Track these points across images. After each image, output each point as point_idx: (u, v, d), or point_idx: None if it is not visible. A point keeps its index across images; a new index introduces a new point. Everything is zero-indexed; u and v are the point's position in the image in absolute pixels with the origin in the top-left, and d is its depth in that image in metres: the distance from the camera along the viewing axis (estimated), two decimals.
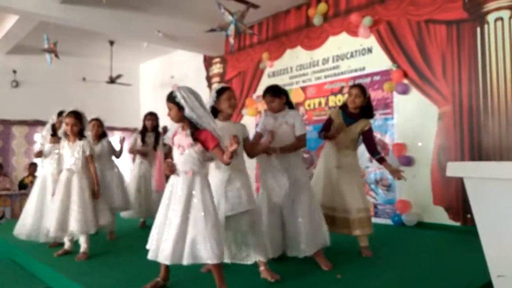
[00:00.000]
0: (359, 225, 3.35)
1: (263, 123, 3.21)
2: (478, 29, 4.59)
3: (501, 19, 4.43)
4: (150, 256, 2.46)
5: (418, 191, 5.00)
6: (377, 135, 5.37)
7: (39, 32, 6.49)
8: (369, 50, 5.62)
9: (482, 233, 1.77)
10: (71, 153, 3.61)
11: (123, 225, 4.91)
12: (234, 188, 2.73)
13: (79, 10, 6.05)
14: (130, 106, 9.94)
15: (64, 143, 3.68)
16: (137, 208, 4.90)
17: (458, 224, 4.66)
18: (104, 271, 3.11)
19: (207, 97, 7.91)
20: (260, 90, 7.04)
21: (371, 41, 5.56)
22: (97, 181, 3.64)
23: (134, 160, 5.25)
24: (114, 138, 5.34)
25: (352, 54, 5.83)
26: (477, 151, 4.57)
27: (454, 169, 1.83)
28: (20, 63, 8.52)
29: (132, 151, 5.13)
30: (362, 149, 3.69)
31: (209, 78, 8.30)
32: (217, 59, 8.11)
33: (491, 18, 4.51)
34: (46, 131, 4.27)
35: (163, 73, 9.58)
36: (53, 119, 4.23)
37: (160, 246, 2.39)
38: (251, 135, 3.10)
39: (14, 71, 8.54)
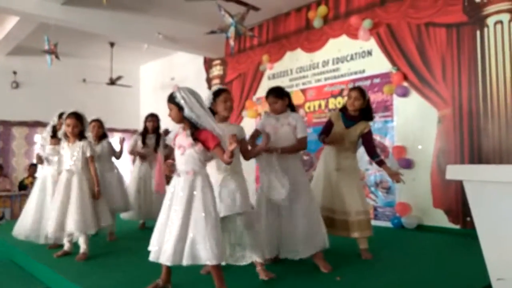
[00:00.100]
0: (358, 227, 3.35)
1: (263, 123, 3.21)
2: (478, 32, 4.60)
3: (501, 22, 4.44)
4: (151, 258, 2.45)
5: (418, 194, 5.00)
6: (377, 137, 5.37)
7: (40, 33, 6.50)
8: (369, 53, 5.63)
9: (482, 236, 1.77)
10: (71, 154, 3.61)
11: (123, 226, 4.91)
12: (228, 189, 2.73)
13: (79, 11, 6.07)
14: (130, 108, 9.95)
15: (64, 144, 3.69)
16: (137, 210, 4.90)
17: (457, 227, 4.66)
18: (103, 273, 3.11)
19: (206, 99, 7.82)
20: (260, 92, 7.07)
21: (371, 44, 5.57)
22: (97, 182, 3.64)
23: (134, 161, 5.25)
24: (114, 140, 5.33)
25: (352, 56, 5.84)
26: (476, 154, 4.57)
27: (454, 172, 1.84)
28: (20, 64, 8.53)
29: (133, 152, 5.13)
30: (362, 151, 3.69)
31: (209, 80, 8.30)
32: (217, 61, 8.12)
33: (490, 21, 4.52)
34: (47, 132, 4.28)
35: (163, 75, 9.59)
36: (53, 120, 4.23)
37: (162, 248, 2.38)
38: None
39: (15, 72, 8.55)
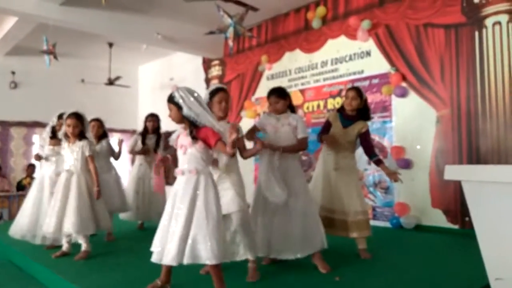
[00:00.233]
0: (356, 227, 3.36)
1: (263, 123, 3.21)
2: (476, 33, 4.61)
3: (499, 23, 4.45)
4: (154, 259, 2.42)
5: (417, 194, 5.00)
6: (376, 138, 5.39)
7: (38, 34, 6.49)
8: (368, 53, 5.64)
9: (480, 236, 1.78)
10: (71, 154, 3.62)
11: (121, 226, 4.90)
12: (222, 188, 2.74)
13: (78, 12, 6.06)
14: (129, 108, 9.95)
15: (64, 144, 3.70)
16: (135, 210, 4.89)
17: (456, 227, 4.67)
18: (102, 273, 3.10)
19: (205, 99, 7.84)
20: (259, 93, 7.07)
21: (370, 45, 5.58)
22: (97, 182, 3.63)
23: (133, 161, 5.24)
24: (113, 140, 5.33)
25: (350, 57, 5.85)
26: (475, 155, 4.58)
27: (452, 172, 1.85)
28: (19, 65, 8.52)
29: (132, 152, 5.12)
30: (360, 151, 3.70)
31: (208, 81, 8.31)
32: (216, 62, 8.12)
33: (489, 22, 4.53)
34: (46, 133, 4.27)
35: (162, 75, 9.59)
36: (53, 121, 4.23)
37: (165, 248, 2.36)
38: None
39: (13, 72, 8.54)
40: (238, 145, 2.84)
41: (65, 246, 3.66)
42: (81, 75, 9.27)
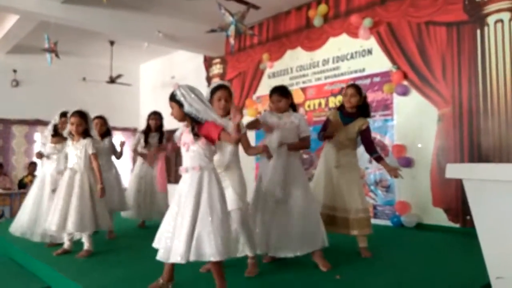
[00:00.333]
0: (357, 225, 3.36)
1: (265, 120, 3.21)
2: (478, 31, 4.60)
3: (501, 21, 4.44)
4: (160, 258, 2.40)
5: (418, 193, 5.00)
6: (377, 136, 5.38)
7: (40, 32, 6.49)
8: (369, 52, 5.63)
9: (481, 235, 1.77)
10: (75, 152, 3.64)
11: (122, 224, 4.91)
12: (224, 185, 2.74)
13: (79, 10, 6.06)
14: (130, 106, 9.95)
15: (69, 142, 3.71)
16: (136, 209, 4.90)
17: (457, 225, 4.66)
18: (103, 270, 3.11)
19: (207, 97, 7.78)
20: (260, 91, 7.07)
21: (371, 43, 5.57)
22: (100, 180, 3.63)
23: (135, 160, 5.23)
24: (116, 138, 5.33)
25: (352, 55, 5.84)
26: (476, 153, 4.58)
27: (454, 170, 1.84)
28: (20, 63, 8.53)
29: (135, 151, 5.12)
30: (362, 150, 3.70)
31: (209, 79, 8.30)
32: (217, 60, 8.11)
33: (491, 20, 4.51)
34: (48, 131, 4.28)
35: (163, 73, 9.59)
36: (55, 119, 4.23)
37: (172, 247, 2.34)
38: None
39: (15, 71, 8.55)
40: (242, 143, 2.85)
41: (66, 244, 3.68)
42: (83, 73, 9.28)
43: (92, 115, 4.32)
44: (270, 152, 2.81)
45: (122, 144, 4.79)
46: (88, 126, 3.70)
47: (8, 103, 8.36)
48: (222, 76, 7.98)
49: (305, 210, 3.03)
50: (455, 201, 4.68)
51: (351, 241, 3.52)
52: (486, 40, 4.54)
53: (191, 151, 2.45)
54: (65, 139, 4.09)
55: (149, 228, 4.86)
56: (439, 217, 4.81)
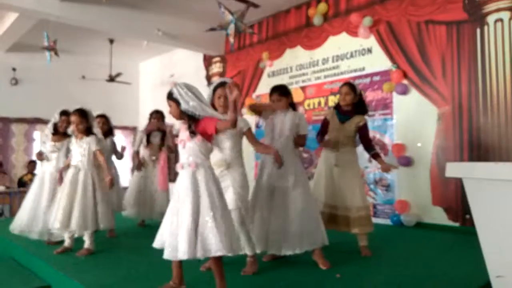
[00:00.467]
0: (359, 223, 3.39)
1: (265, 118, 3.27)
2: (478, 30, 4.60)
3: (501, 20, 4.44)
4: (168, 256, 2.38)
5: (417, 192, 5.00)
6: (377, 135, 5.39)
7: (39, 30, 6.48)
8: (369, 50, 5.62)
9: (481, 234, 1.77)
10: (79, 150, 3.65)
11: (122, 223, 4.91)
12: (224, 185, 2.74)
13: (79, 8, 6.04)
14: (130, 105, 9.94)
15: (73, 139, 3.74)
16: (137, 208, 4.90)
17: (457, 224, 4.67)
18: (103, 269, 3.11)
19: (206, 96, 7.84)
20: (260, 90, 7.06)
21: (371, 42, 5.56)
22: (109, 172, 3.65)
23: (134, 160, 5.20)
24: (117, 138, 5.33)
25: (352, 54, 5.83)
26: (476, 152, 4.58)
27: (453, 169, 1.84)
28: (19, 61, 8.51)
29: (137, 152, 5.11)
30: (361, 149, 3.71)
31: (208, 77, 8.29)
32: (217, 58, 8.10)
33: (491, 19, 4.51)
34: (48, 129, 4.29)
35: (162, 71, 9.58)
36: (55, 118, 4.24)
37: (178, 244, 2.34)
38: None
39: (14, 69, 8.53)
40: (249, 138, 2.85)
41: (67, 242, 3.68)
42: (82, 72, 9.27)
43: (94, 113, 4.33)
44: (281, 160, 2.84)
45: (123, 149, 4.80)
46: (90, 124, 3.70)
47: (8, 102, 8.35)
48: (221, 74, 7.97)
49: (304, 208, 3.04)
50: (455, 200, 4.69)
51: (351, 239, 3.53)
52: (486, 39, 4.54)
53: (187, 147, 2.47)
54: (65, 137, 4.11)
55: (149, 227, 4.86)
56: (438, 216, 4.82)
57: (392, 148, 5.24)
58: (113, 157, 4.84)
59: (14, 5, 5.64)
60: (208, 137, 2.46)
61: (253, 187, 3.19)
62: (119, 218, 4.91)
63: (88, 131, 3.68)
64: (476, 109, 4.60)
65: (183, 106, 2.42)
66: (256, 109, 3.30)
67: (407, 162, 5.07)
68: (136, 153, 5.10)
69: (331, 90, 6.06)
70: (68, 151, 3.97)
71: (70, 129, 3.76)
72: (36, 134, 8.76)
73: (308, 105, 6.36)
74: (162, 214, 2.72)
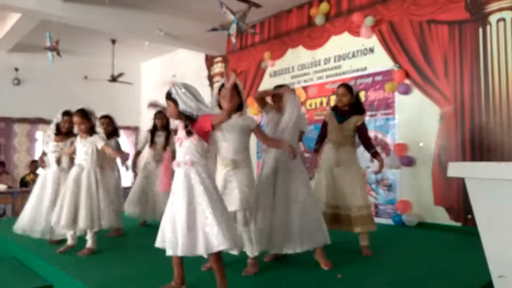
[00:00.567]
0: (361, 222, 3.40)
1: (266, 114, 3.29)
2: (480, 30, 4.59)
3: (503, 20, 4.43)
4: (169, 252, 2.40)
5: (419, 191, 5.00)
6: (379, 135, 5.39)
7: (41, 30, 6.50)
8: (371, 50, 5.62)
9: (483, 234, 1.77)
10: (83, 149, 3.68)
11: (124, 222, 4.90)
12: (230, 186, 2.78)
13: (81, 8, 6.06)
14: (132, 105, 9.95)
15: (78, 138, 3.77)
16: (139, 208, 4.90)
17: (459, 224, 4.66)
18: (105, 269, 3.11)
19: (208, 96, 7.89)
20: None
21: (373, 41, 5.56)
22: (117, 153, 3.78)
23: (134, 161, 5.19)
24: (122, 139, 5.34)
25: (354, 54, 5.83)
26: (478, 152, 4.57)
27: (456, 169, 1.84)
28: (22, 61, 8.53)
29: (139, 151, 5.11)
30: (362, 149, 3.72)
31: (210, 77, 8.30)
32: (219, 58, 8.11)
33: (493, 19, 4.50)
34: (51, 130, 4.31)
35: (164, 72, 9.59)
36: (57, 118, 4.26)
37: (177, 241, 2.36)
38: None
39: (16, 69, 8.55)
40: (257, 135, 2.86)
41: (70, 241, 3.68)
42: (84, 72, 9.29)
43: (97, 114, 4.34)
44: (294, 151, 2.84)
45: (127, 156, 4.82)
46: (92, 123, 3.72)
47: (10, 102, 8.37)
48: (223, 74, 7.97)
49: (305, 207, 3.04)
50: (457, 200, 4.68)
51: (353, 239, 3.53)
52: (488, 39, 4.53)
53: (184, 146, 2.48)
54: (68, 137, 4.14)
55: (151, 227, 4.86)
56: (440, 216, 4.81)
57: (394, 148, 5.24)
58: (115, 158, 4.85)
59: (17, 5, 5.66)
60: (206, 135, 2.47)
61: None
62: (121, 218, 4.92)
63: (91, 131, 3.70)
64: (478, 108, 4.59)
65: (181, 106, 2.43)
66: (263, 97, 3.28)
67: (409, 162, 5.07)
68: (137, 153, 5.12)
69: (333, 90, 6.04)
70: (73, 151, 3.98)
71: (76, 129, 3.80)
72: (39, 134, 8.78)
73: (310, 105, 6.35)
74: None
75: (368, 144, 3.66)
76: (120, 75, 8.82)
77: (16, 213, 7.05)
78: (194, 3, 6.34)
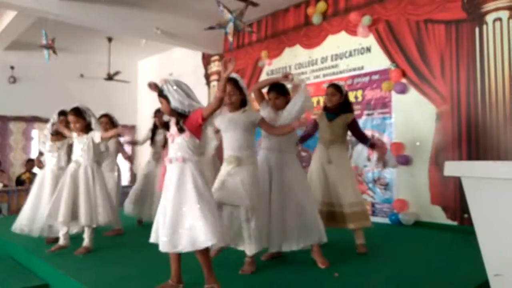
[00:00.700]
0: (354, 219, 3.42)
1: (264, 111, 3.27)
2: (477, 29, 4.60)
3: (500, 19, 4.44)
4: (161, 249, 2.40)
5: (416, 190, 5.01)
6: (375, 134, 5.39)
7: (37, 28, 6.46)
8: (368, 49, 5.62)
9: (479, 233, 1.77)
10: (80, 146, 3.69)
11: (122, 221, 4.90)
12: (234, 181, 2.77)
13: (77, 6, 6.03)
14: (128, 103, 9.92)
15: (75, 134, 3.77)
16: (136, 206, 4.90)
17: (455, 223, 4.67)
18: (102, 268, 3.11)
19: (205, 94, 7.86)
20: None
21: (370, 40, 5.56)
22: (114, 132, 3.76)
23: (131, 159, 5.21)
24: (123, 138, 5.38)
25: (351, 53, 5.83)
26: (474, 151, 4.58)
27: (452, 168, 1.84)
28: (18, 59, 8.49)
29: (135, 142, 5.17)
30: (359, 149, 3.74)
31: (207, 76, 8.29)
32: (216, 57, 8.09)
33: (489, 18, 4.51)
34: (47, 129, 4.30)
35: (161, 70, 9.55)
36: (53, 118, 4.25)
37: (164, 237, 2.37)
38: None
39: (12, 67, 8.51)
40: (263, 128, 2.90)
41: (61, 240, 3.63)
42: (80, 70, 9.25)
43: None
44: (305, 121, 2.85)
45: (128, 157, 4.82)
46: (87, 121, 3.71)
47: (6, 100, 8.33)
48: (220, 73, 7.95)
49: (300, 204, 3.04)
50: (453, 199, 4.69)
51: (350, 238, 3.54)
52: (485, 39, 4.54)
53: (175, 143, 2.49)
54: (64, 137, 4.13)
55: (148, 226, 4.85)
56: (437, 215, 4.82)
57: (390, 147, 5.24)
58: (115, 158, 4.85)
59: (13, 3, 5.63)
60: (198, 131, 2.47)
61: None
62: (119, 216, 4.92)
63: (87, 129, 3.70)
64: (474, 108, 4.60)
65: (173, 103, 2.44)
66: (261, 88, 3.28)
67: (406, 161, 5.08)
68: (135, 142, 5.17)
69: None
70: (70, 149, 3.98)
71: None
72: (34, 133, 8.75)
73: None
74: None
75: (362, 138, 3.73)
76: (117, 73, 8.79)
77: (11, 212, 7.03)
78: (191, 1, 6.33)
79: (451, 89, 4.79)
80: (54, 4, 5.83)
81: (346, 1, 5.88)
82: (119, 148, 4.80)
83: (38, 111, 8.27)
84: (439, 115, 4.90)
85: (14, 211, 7.01)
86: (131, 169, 5.17)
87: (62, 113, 4.12)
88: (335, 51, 6.02)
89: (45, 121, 4.39)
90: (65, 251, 3.56)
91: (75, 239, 3.72)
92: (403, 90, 5.17)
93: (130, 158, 5.06)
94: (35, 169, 6.84)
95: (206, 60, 8.35)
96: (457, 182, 4.40)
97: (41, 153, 4.35)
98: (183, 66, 8.83)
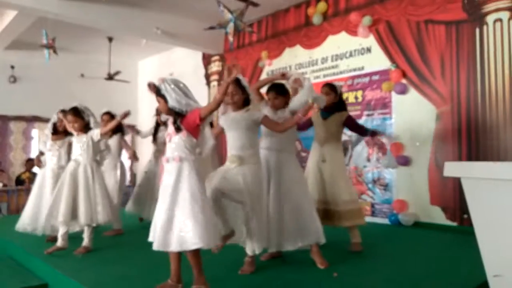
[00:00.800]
0: (349, 216, 3.45)
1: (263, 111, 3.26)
2: (477, 30, 4.60)
3: (500, 20, 4.44)
4: (154, 247, 2.40)
5: (415, 191, 5.01)
6: None
7: (38, 28, 6.47)
8: (368, 50, 5.62)
9: (479, 233, 1.77)
10: (79, 144, 3.69)
11: (122, 220, 4.90)
12: (235, 176, 2.76)
13: (78, 6, 6.03)
14: (128, 103, 9.86)
15: (74, 135, 3.78)
16: (138, 205, 4.90)
17: (455, 224, 4.67)
18: (101, 268, 3.11)
19: (205, 94, 7.87)
20: None
21: (370, 41, 5.56)
22: (113, 123, 3.74)
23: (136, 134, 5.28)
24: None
25: (351, 53, 5.83)
26: (474, 151, 4.58)
27: (452, 169, 1.84)
28: (18, 59, 8.49)
29: (143, 136, 5.25)
30: (359, 149, 3.73)
31: (207, 76, 8.29)
32: (216, 57, 8.09)
33: (490, 19, 4.51)
34: (48, 129, 4.32)
35: (161, 70, 9.55)
36: (54, 118, 4.26)
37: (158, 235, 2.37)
38: None
39: (12, 67, 8.51)
40: (267, 126, 2.87)
41: (59, 241, 3.56)
42: (81, 70, 9.24)
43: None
44: (310, 107, 2.83)
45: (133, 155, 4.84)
46: (86, 121, 3.71)
47: (6, 99, 8.33)
48: (220, 73, 7.96)
49: (298, 205, 3.04)
50: (453, 200, 4.69)
51: (349, 239, 3.53)
52: (485, 39, 4.54)
53: (172, 142, 2.50)
54: (65, 136, 4.15)
55: (149, 225, 4.85)
56: (436, 216, 4.82)
57: (390, 147, 5.23)
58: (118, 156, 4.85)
59: (13, 2, 5.63)
60: (195, 130, 2.47)
61: None
62: (120, 215, 4.91)
63: (86, 128, 3.71)
64: (474, 108, 4.60)
65: (170, 102, 2.44)
66: (259, 88, 3.27)
67: (406, 161, 5.08)
68: (138, 132, 5.18)
69: None
70: (70, 148, 3.98)
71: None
72: (35, 132, 8.75)
73: None
74: None
75: (362, 130, 3.82)
76: (117, 73, 8.79)
77: (11, 212, 7.04)
78: (191, 1, 6.33)
79: (451, 90, 4.79)
80: (54, 4, 5.83)
81: (346, 2, 5.88)
82: (123, 144, 4.79)
83: (38, 110, 8.27)
84: (439, 115, 4.89)
85: (14, 211, 7.02)
86: (131, 169, 5.15)
87: (62, 112, 4.13)
88: (336, 51, 6.02)
89: (46, 120, 4.40)
90: (65, 251, 3.55)
91: (75, 239, 3.72)
92: (403, 91, 5.17)
93: (135, 155, 5.03)
94: (35, 169, 6.85)
95: (207, 60, 8.35)
96: (457, 183, 4.39)
97: (41, 153, 4.37)
98: (183, 66, 8.83)
